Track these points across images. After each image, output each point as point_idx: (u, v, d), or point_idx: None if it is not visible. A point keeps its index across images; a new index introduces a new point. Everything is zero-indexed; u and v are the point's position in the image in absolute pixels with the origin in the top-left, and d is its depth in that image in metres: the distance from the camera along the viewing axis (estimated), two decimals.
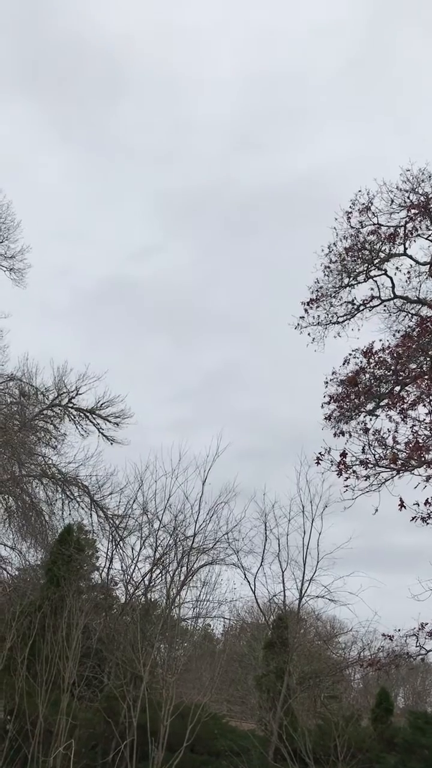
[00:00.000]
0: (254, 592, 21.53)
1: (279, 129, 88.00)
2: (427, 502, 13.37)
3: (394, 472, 14.30)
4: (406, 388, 15.47)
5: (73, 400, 29.00)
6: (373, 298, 17.84)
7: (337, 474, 14.53)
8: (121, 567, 21.15)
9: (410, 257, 17.34)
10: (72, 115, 76.92)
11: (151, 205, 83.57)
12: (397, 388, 15.66)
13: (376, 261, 17.49)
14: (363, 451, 14.37)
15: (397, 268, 17.52)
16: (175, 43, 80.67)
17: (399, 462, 13.94)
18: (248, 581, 21.24)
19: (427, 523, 13.51)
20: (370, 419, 15.89)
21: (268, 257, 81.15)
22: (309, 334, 17.99)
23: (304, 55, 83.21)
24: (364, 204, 17.32)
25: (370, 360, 16.09)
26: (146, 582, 20.47)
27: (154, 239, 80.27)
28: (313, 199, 77.63)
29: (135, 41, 78.42)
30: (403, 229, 17.11)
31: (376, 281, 17.78)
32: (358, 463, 14.36)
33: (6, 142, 57.00)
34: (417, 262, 17.31)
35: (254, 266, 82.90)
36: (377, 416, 15.85)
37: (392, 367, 15.77)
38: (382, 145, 73.13)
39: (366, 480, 14.43)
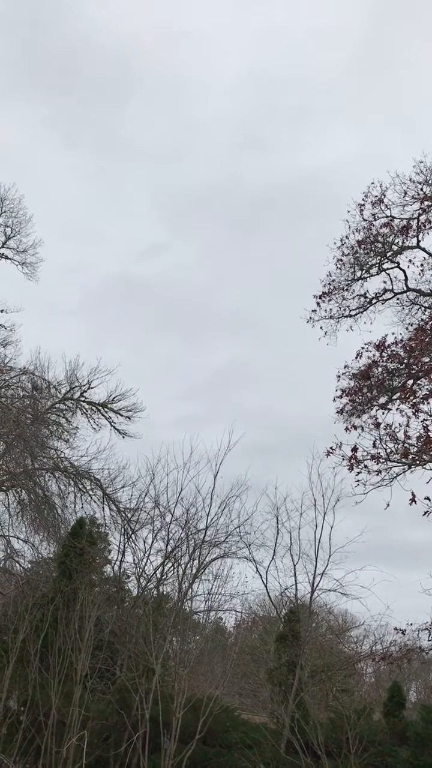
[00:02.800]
0: (266, 586, 21.58)
1: (283, 128, 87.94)
2: None
3: (406, 467, 14.25)
4: (419, 381, 15.39)
5: (85, 394, 29.12)
6: (385, 291, 17.76)
7: (349, 468, 14.52)
8: (133, 560, 21.22)
9: (423, 250, 17.24)
10: (79, 115, 77.08)
11: (158, 203, 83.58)
12: (410, 382, 15.58)
13: (388, 254, 17.39)
14: (374, 446, 14.33)
15: (410, 260, 17.43)
16: (181, 44, 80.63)
17: (410, 456, 13.87)
18: (260, 574, 21.31)
19: None
20: (382, 413, 15.84)
21: (274, 255, 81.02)
22: (321, 327, 17.96)
23: (307, 55, 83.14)
24: (376, 196, 17.23)
25: (383, 353, 16.03)
26: (158, 575, 20.54)
27: (160, 237, 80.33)
28: (318, 197, 77.60)
29: (141, 42, 78.41)
30: (416, 221, 17.00)
31: (388, 274, 17.71)
32: (369, 457, 14.32)
33: (13, 142, 57.14)
34: (430, 254, 17.19)
35: (260, 264, 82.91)
36: (389, 410, 15.79)
37: (405, 361, 15.69)
38: (386, 144, 73.01)
39: (377, 474, 14.40)
